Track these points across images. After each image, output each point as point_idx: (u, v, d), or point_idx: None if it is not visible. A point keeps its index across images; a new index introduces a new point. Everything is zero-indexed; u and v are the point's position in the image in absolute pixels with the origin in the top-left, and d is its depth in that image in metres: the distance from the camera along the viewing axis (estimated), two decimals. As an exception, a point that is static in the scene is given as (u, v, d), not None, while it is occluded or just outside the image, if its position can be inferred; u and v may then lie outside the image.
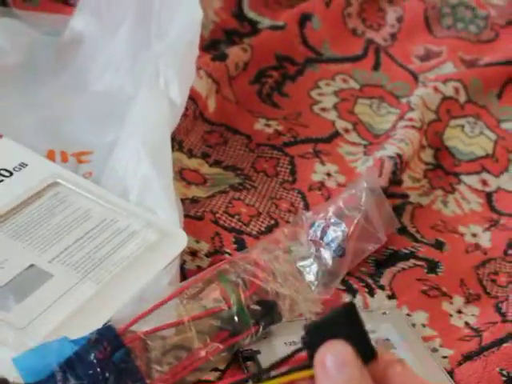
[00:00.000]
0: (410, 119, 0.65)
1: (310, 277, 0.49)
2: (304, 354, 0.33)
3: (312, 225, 0.50)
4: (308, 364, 0.32)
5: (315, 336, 0.32)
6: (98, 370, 0.40)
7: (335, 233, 0.50)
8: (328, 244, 0.50)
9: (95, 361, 0.40)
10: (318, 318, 0.33)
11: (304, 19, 0.75)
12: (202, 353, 0.43)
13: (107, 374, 0.40)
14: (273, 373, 0.33)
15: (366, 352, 0.32)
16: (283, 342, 0.46)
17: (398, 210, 0.60)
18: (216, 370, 0.44)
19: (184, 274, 0.49)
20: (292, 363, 0.33)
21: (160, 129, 0.53)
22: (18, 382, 0.39)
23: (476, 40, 0.79)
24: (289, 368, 0.33)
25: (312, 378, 0.31)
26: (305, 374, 0.32)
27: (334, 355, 0.31)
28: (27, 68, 0.62)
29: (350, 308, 0.33)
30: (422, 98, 0.68)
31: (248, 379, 0.34)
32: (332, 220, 0.50)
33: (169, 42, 0.58)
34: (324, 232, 0.50)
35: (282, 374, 0.33)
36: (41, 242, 0.47)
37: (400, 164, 0.61)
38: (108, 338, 0.41)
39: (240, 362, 0.45)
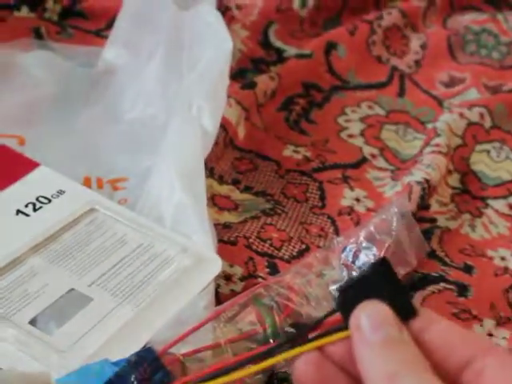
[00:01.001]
0: (437, 145, 0.66)
1: (343, 300, 0.50)
2: (338, 316, 0.31)
3: (344, 249, 0.51)
4: (343, 326, 0.30)
5: (349, 297, 0.30)
6: (139, 391, 0.41)
7: (367, 257, 0.51)
8: (360, 268, 0.50)
9: (135, 382, 0.41)
10: (351, 278, 0.32)
11: (329, 48, 0.77)
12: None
13: (147, 396, 0.41)
14: (308, 337, 0.32)
15: (405, 309, 0.30)
16: (317, 364, 0.47)
17: (427, 234, 0.60)
18: (252, 392, 0.45)
19: (218, 298, 0.50)
20: (326, 326, 0.31)
21: (193, 156, 0.54)
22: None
23: (499, 66, 0.80)
24: (324, 331, 0.31)
25: (348, 338, 0.30)
26: (340, 335, 0.30)
27: (369, 316, 0.29)
28: (62, 98, 0.64)
29: (383, 263, 0.31)
30: (447, 124, 0.69)
31: (284, 345, 0.33)
32: (363, 244, 0.51)
33: (200, 71, 0.60)
34: (356, 256, 0.51)
35: (318, 337, 0.31)
36: (79, 267, 0.48)
37: (428, 189, 0.62)
38: (148, 360, 0.42)
39: (275, 383, 0.46)
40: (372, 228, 0.52)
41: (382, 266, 0.31)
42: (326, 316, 0.32)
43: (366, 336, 0.29)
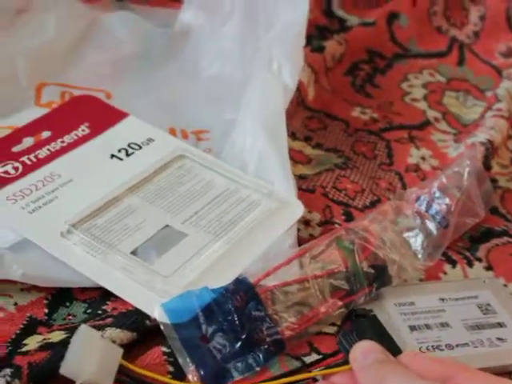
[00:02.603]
0: (498, 109, 0.69)
1: (416, 246, 0.53)
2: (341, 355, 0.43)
3: (417, 199, 0.54)
4: (345, 361, 0.41)
5: (348, 341, 0.43)
6: (235, 316, 0.44)
7: (439, 206, 0.53)
8: (433, 216, 0.53)
9: (232, 308, 0.44)
10: (350, 328, 0.45)
11: (392, 17, 0.79)
12: (323, 308, 0.47)
13: (243, 321, 0.44)
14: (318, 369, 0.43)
15: (391, 348, 0.40)
16: (392, 302, 0.50)
17: (489, 194, 0.63)
18: (333, 324, 0.48)
19: (298, 241, 0.53)
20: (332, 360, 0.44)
21: (276, 109, 0.57)
22: (165, 322, 0.43)
23: (556, 39, 0.82)
24: (331, 364, 0.44)
25: (349, 370, 0.40)
26: (344, 368, 0.41)
27: (362, 350, 0.38)
28: (143, 57, 0.67)
29: (374, 318, 0.46)
30: (507, 90, 0.71)
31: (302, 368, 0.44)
32: (436, 194, 0.54)
33: (278, 31, 0.63)
34: (429, 205, 0.54)
35: (327, 368, 0.43)
36: (172, 207, 0.52)
37: (491, 150, 0.64)
38: (243, 289, 0.45)
39: (353, 319, 0.49)
40: (444, 179, 0.55)
41: (372, 319, 0.45)
42: (333, 355, 0.44)
43: (360, 362, 0.38)
